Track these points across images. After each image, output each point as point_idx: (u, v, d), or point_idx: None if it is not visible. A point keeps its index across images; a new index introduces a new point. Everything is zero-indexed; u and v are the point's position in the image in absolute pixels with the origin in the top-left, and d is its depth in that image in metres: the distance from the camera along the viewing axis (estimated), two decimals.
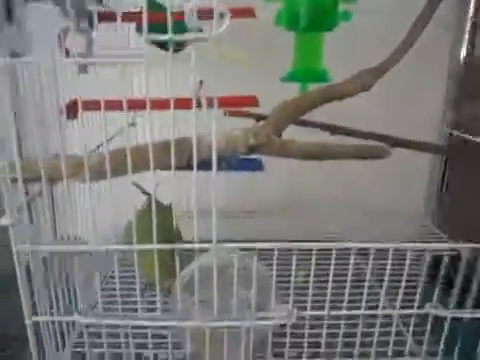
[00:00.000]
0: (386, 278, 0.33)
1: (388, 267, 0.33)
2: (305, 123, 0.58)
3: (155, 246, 0.32)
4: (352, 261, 0.33)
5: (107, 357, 0.37)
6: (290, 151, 0.41)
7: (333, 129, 0.59)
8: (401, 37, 0.52)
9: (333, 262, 0.32)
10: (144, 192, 0.55)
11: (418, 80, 0.65)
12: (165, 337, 0.37)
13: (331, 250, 0.33)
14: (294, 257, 0.32)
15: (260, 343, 0.39)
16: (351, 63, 0.51)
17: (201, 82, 0.30)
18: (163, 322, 0.33)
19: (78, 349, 0.41)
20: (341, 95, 0.50)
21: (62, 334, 0.39)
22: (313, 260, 0.32)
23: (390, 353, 0.39)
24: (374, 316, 0.38)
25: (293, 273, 0.32)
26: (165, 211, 0.52)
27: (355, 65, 0.49)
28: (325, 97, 0.49)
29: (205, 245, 0.31)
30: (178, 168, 0.34)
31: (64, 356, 0.39)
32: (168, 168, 0.34)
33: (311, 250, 0.32)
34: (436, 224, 0.68)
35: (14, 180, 0.32)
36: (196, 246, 0.31)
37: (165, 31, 0.31)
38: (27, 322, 0.32)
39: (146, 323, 0.32)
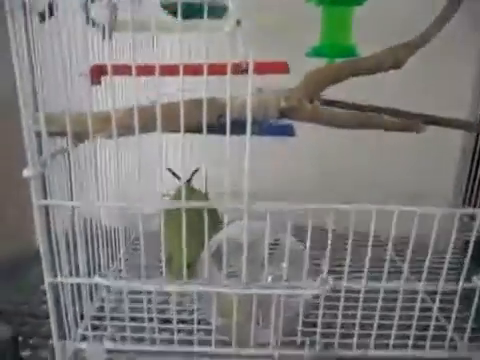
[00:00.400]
0: (431, 244, 0.31)
1: (433, 235, 0.30)
2: (331, 103, 0.55)
3: (184, 205, 0.30)
4: (394, 224, 0.30)
5: (128, 329, 0.35)
6: (322, 117, 0.39)
7: (360, 108, 0.57)
8: (433, 16, 0.49)
9: (373, 226, 0.30)
10: (177, 177, 0.53)
11: (448, 59, 0.62)
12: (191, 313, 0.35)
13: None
14: (330, 217, 0.29)
15: (291, 321, 0.36)
16: (380, 40, 0.48)
17: (239, 22, 0.28)
18: (189, 287, 0.30)
19: (96, 322, 0.39)
20: (372, 69, 0.48)
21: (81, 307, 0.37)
22: (352, 221, 0.30)
23: (429, 339, 0.36)
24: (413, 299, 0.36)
25: (330, 235, 0.30)
26: (196, 196, 0.51)
27: (384, 42, 0.47)
28: (355, 69, 0.47)
29: (237, 206, 0.29)
30: (209, 130, 0.33)
31: (82, 327, 0.37)
32: (198, 125, 0.32)
33: None
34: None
35: (39, 134, 0.31)
36: (228, 206, 0.29)
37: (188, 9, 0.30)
38: (46, 282, 0.31)
39: (171, 288, 0.30)
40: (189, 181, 0.53)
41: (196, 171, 0.52)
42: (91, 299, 0.41)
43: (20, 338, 0.47)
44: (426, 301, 0.45)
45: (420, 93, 0.59)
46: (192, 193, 0.51)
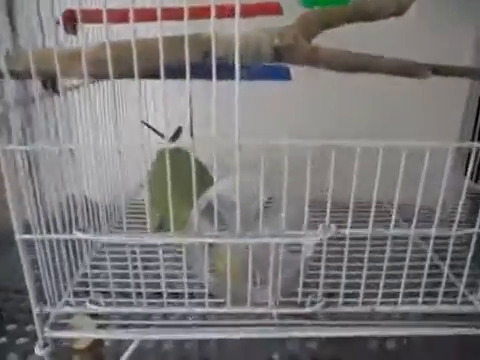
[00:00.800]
0: (445, 177, 0.28)
1: (447, 168, 0.27)
2: None
3: (167, 145, 0.27)
4: (403, 163, 0.27)
5: (112, 287, 0.32)
6: (321, 58, 0.35)
7: None
8: None
9: (379, 163, 0.27)
10: (157, 132, 0.50)
11: (449, 8, 0.59)
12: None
13: None
14: (332, 154, 0.26)
15: (291, 282, 0.34)
16: None
17: None
18: (177, 239, 0.27)
19: (81, 288, 0.36)
20: (372, 14, 0.44)
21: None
22: (357, 162, 0.27)
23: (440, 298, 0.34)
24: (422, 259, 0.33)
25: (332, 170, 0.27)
26: (183, 154, 0.47)
27: None
28: (353, 14, 0.43)
29: (225, 142, 0.26)
30: (194, 74, 0.29)
31: (66, 294, 0.34)
32: (181, 66, 0.29)
33: None
34: None
35: (1, 74, 0.28)
36: (215, 141, 0.26)
37: None
38: (17, 239, 0.28)
39: (157, 241, 0.27)
40: (174, 139, 0.49)
41: (180, 129, 0.48)
42: (76, 266, 0.38)
43: (3, 313, 0.45)
44: (434, 259, 0.42)
45: (419, 44, 0.56)
46: (178, 152, 0.48)
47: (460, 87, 0.61)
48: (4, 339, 0.42)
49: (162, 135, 0.49)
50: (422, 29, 0.58)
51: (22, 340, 0.43)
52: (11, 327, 0.44)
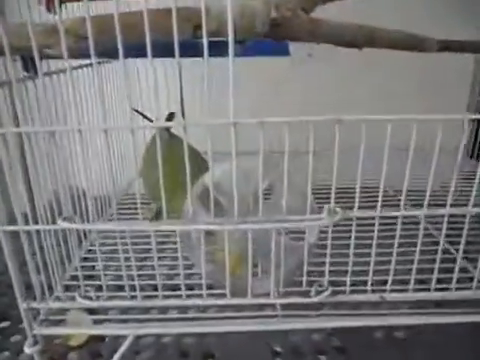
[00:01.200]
0: (460, 149, 0.25)
1: (462, 141, 0.25)
2: None
3: (159, 124, 0.25)
4: (414, 135, 0.25)
5: (104, 281, 0.30)
6: (322, 32, 0.33)
7: None
8: None
9: (389, 133, 0.25)
10: (146, 117, 0.48)
11: None
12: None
13: None
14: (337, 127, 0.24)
15: (294, 271, 0.32)
16: None
17: None
18: (169, 226, 0.25)
19: (73, 282, 0.35)
20: None
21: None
22: (363, 135, 0.24)
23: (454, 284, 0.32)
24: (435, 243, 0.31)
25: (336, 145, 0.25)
26: (176, 141, 0.45)
27: None
28: None
29: (219, 121, 0.24)
30: (184, 51, 0.27)
31: (59, 289, 0.32)
32: (170, 41, 0.26)
33: None
34: None
35: None
36: (210, 122, 0.24)
37: None
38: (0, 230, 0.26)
39: (148, 227, 0.25)
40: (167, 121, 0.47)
41: (172, 115, 0.46)
42: (69, 260, 0.36)
43: None
44: (444, 244, 0.40)
45: (426, 22, 0.53)
46: (171, 138, 0.45)
47: (466, 68, 0.59)
48: None
49: (151, 120, 0.46)
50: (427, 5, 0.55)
51: (17, 337, 0.41)
52: (4, 324, 0.42)
